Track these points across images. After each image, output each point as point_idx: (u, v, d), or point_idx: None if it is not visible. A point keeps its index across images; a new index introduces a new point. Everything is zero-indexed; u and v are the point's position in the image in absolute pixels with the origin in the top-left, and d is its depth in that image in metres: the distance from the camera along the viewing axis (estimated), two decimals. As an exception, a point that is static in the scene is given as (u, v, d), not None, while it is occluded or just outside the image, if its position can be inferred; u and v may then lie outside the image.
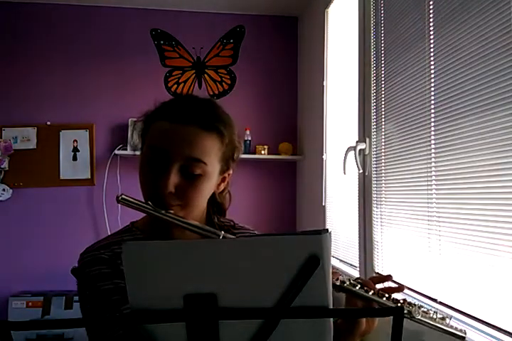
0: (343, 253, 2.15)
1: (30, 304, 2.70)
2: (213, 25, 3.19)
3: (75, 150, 3.05)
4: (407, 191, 1.50)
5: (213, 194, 0.94)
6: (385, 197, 1.67)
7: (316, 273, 0.52)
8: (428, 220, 1.33)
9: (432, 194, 1.32)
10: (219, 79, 3.18)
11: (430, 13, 1.35)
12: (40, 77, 3.06)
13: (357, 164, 1.82)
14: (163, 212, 0.81)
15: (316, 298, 0.53)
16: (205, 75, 3.17)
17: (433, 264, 1.31)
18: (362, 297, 0.81)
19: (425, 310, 0.80)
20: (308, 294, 0.53)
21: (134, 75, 3.11)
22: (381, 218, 1.70)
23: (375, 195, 1.75)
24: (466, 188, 1.16)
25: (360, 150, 1.81)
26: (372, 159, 1.78)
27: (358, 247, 1.88)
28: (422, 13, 1.39)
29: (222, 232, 0.81)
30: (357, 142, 1.84)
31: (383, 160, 1.70)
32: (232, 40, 3.18)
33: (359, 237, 1.87)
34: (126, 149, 2.92)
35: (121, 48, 3.13)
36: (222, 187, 0.95)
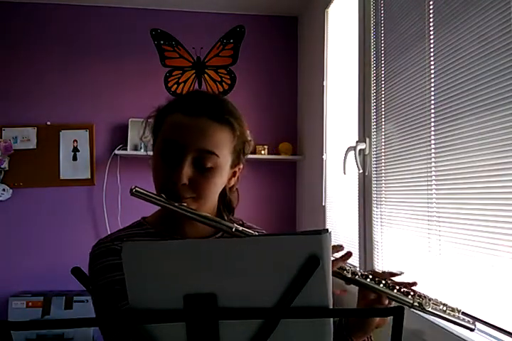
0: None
1: (30, 304, 2.70)
2: (213, 25, 3.19)
3: (75, 150, 3.05)
4: (407, 191, 1.50)
5: (223, 190, 0.94)
6: (385, 197, 1.67)
7: (316, 273, 0.52)
8: (428, 220, 1.33)
9: (432, 194, 1.32)
10: (219, 79, 3.18)
11: (430, 13, 1.35)
12: (40, 77, 3.06)
13: (357, 164, 1.82)
14: (176, 204, 0.81)
15: (316, 298, 0.53)
16: (205, 75, 3.17)
17: (433, 264, 1.31)
18: (372, 289, 0.81)
19: (435, 302, 0.81)
20: (308, 294, 0.53)
21: (134, 75, 3.11)
22: (381, 218, 1.70)
23: (375, 195, 1.75)
24: (466, 188, 1.16)
25: (360, 150, 1.81)
26: (372, 159, 1.78)
27: (358, 247, 1.88)
28: (422, 13, 1.39)
29: (235, 225, 0.81)
30: (357, 142, 1.84)
31: (383, 160, 1.70)
32: (232, 40, 3.18)
33: (359, 237, 1.87)
34: (126, 149, 2.91)
35: (121, 48, 3.13)
36: (232, 182, 0.96)
